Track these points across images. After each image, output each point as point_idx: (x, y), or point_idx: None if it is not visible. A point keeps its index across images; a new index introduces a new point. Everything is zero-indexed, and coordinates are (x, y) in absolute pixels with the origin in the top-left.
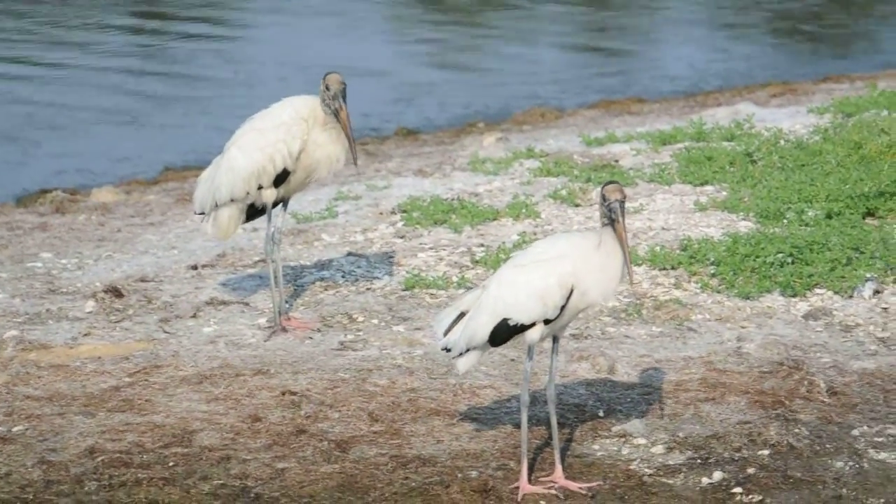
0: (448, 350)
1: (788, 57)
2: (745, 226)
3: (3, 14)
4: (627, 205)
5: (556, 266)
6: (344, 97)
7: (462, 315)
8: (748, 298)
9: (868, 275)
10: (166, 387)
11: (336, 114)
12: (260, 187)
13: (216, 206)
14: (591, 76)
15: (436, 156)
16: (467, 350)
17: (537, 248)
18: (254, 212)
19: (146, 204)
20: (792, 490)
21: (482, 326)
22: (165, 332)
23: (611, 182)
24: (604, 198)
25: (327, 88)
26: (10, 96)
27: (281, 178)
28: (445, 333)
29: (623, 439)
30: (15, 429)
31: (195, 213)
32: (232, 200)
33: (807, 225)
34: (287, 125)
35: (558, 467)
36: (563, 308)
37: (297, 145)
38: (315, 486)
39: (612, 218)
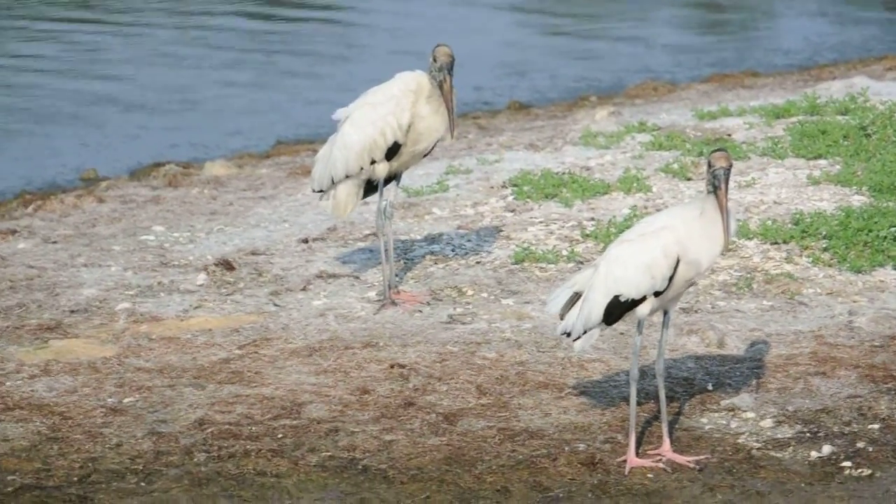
0: (568, 334)
1: None
2: (858, 200)
3: None
4: (740, 178)
5: (661, 237)
6: (450, 70)
7: (576, 295)
8: (860, 272)
9: None
10: (276, 359)
11: (440, 86)
12: (373, 162)
13: (333, 183)
14: (704, 49)
15: (547, 130)
16: (584, 331)
17: (643, 222)
18: (370, 188)
19: (258, 177)
20: None
21: (596, 306)
22: (276, 304)
23: (718, 149)
24: (709, 164)
25: (434, 60)
26: (125, 72)
27: (392, 152)
28: (561, 315)
29: (732, 413)
30: (126, 400)
31: (313, 191)
32: (347, 176)
33: None
34: (396, 98)
35: (666, 441)
36: (671, 279)
37: (406, 118)
38: (422, 458)
39: (715, 185)
